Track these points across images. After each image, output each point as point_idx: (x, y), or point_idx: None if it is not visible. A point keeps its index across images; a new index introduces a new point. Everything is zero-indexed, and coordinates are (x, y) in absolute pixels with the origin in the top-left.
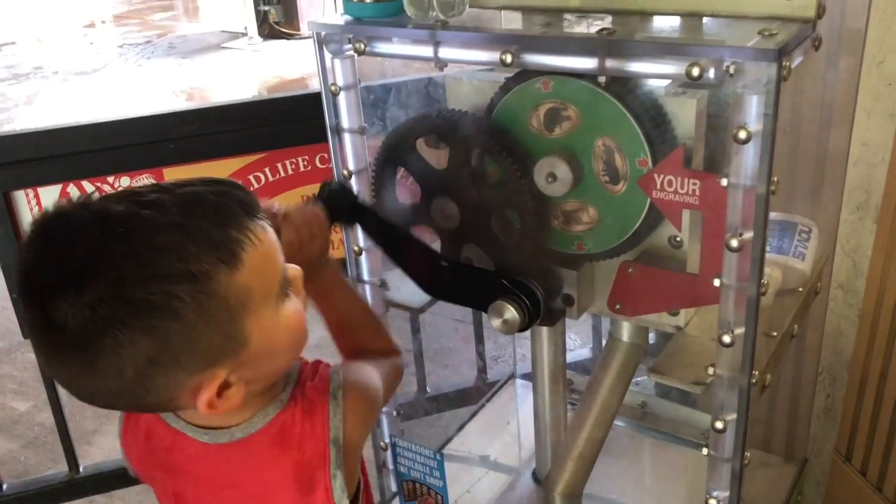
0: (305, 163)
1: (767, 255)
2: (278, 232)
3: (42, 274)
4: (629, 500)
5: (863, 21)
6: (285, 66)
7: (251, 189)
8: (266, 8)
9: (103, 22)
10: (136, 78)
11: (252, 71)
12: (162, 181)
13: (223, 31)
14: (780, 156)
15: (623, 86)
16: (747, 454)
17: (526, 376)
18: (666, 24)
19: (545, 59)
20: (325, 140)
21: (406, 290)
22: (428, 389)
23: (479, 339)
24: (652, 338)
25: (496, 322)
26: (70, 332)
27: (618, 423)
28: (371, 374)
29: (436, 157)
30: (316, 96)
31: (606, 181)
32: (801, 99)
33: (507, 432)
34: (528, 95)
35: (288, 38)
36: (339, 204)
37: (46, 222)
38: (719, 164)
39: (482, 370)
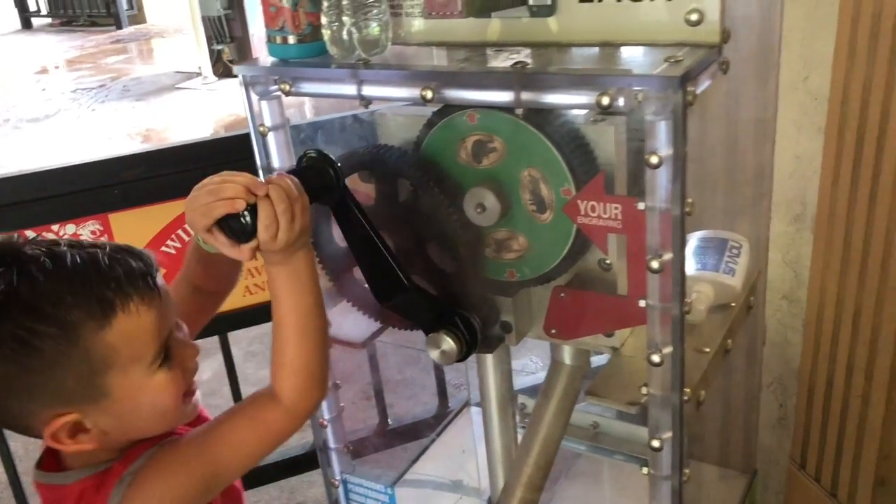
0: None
1: (698, 273)
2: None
3: None
4: None
5: (775, 40)
6: (240, 104)
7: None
8: (219, 47)
9: (56, 67)
10: (89, 123)
11: (207, 110)
12: (78, 238)
13: (177, 72)
14: (708, 174)
15: (544, 117)
16: (686, 471)
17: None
18: (587, 54)
19: (464, 94)
20: None
21: (347, 325)
22: (390, 422)
23: (438, 368)
24: (600, 359)
25: (434, 353)
26: None
27: (570, 444)
28: (199, 450)
29: (368, 192)
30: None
31: (534, 210)
32: (719, 119)
33: (462, 461)
34: (455, 128)
35: None
36: (318, 179)
37: None
38: (640, 188)
39: (443, 399)
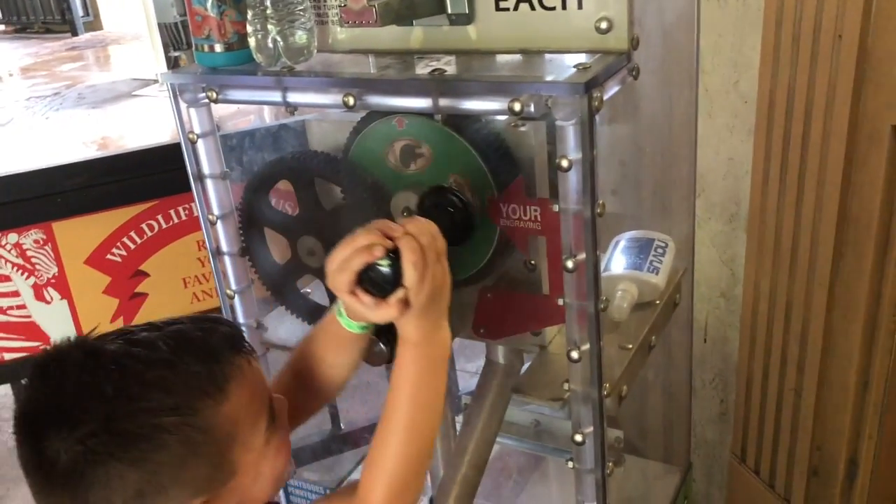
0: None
1: (622, 272)
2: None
3: (35, 411)
4: None
5: (693, 45)
6: None
7: (144, 237)
8: (177, 54)
9: (10, 75)
10: (43, 131)
11: (164, 117)
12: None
13: (134, 79)
14: (630, 176)
15: (469, 124)
16: (609, 464)
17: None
18: (505, 61)
19: (385, 100)
20: None
21: (283, 330)
22: (342, 426)
23: None
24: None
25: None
26: (61, 466)
27: (510, 442)
28: None
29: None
30: None
31: None
32: (642, 122)
33: None
34: (382, 133)
35: None
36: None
37: (42, 361)
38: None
39: None
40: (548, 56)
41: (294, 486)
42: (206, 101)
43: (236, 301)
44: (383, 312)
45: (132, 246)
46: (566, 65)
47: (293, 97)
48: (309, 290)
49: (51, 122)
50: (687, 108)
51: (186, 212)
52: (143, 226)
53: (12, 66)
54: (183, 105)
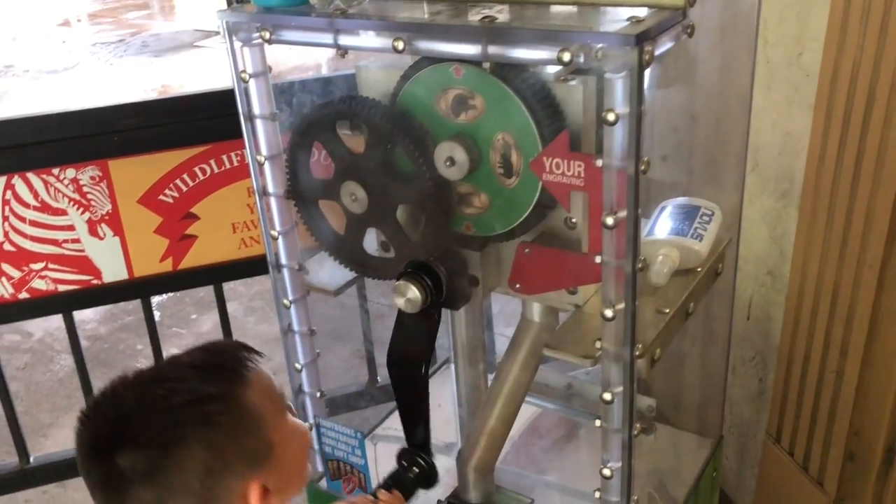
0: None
1: (665, 237)
2: None
3: (102, 434)
4: (555, 477)
5: (753, 13)
6: None
7: (196, 180)
8: (239, 6)
9: (78, 20)
10: (106, 76)
11: (223, 68)
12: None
13: (197, 30)
14: (680, 142)
15: (519, 78)
16: (637, 425)
17: None
18: (559, 12)
19: (434, 46)
20: None
21: (324, 274)
22: (379, 379)
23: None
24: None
25: (400, 301)
26: (139, 468)
27: (544, 403)
28: None
29: (353, 141)
30: None
31: (501, 173)
32: (696, 89)
33: (437, 415)
34: (438, 79)
35: None
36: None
37: (96, 400)
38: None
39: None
40: (602, 9)
41: (326, 427)
42: (260, 41)
43: (280, 242)
44: None
45: (184, 188)
46: (619, 18)
47: (344, 40)
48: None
49: (114, 68)
50: (743, 76)
51: (238, 158)
52: (196, 169)
53: (80, 11)
54: (237, 44)
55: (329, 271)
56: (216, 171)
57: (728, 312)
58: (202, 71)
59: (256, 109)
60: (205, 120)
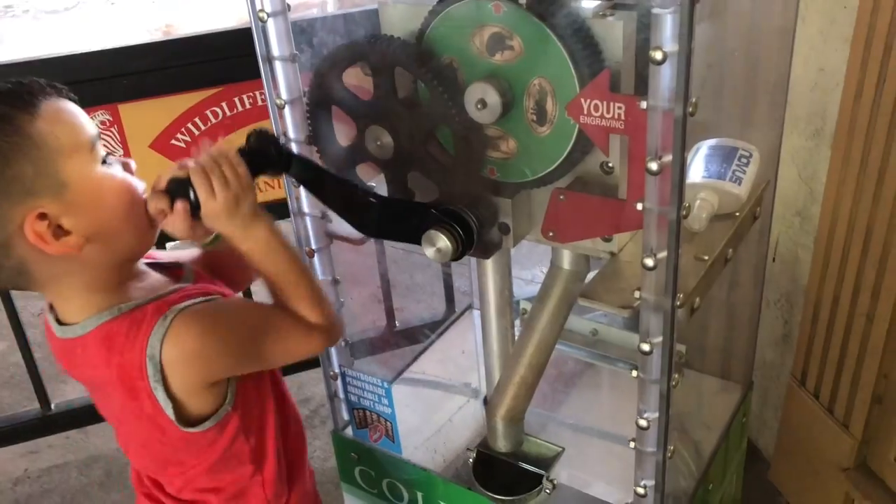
0: (263, 97)
1: (703, 180)
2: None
3: None
4: (579, 420)
5: None
6: None
7: (208, 124)
8: None
9: None
10: (108, 16)
11: (229, 6)
12: None
13: None
14: (724, 80)
15: (557, 14)
16: (676, 375)
17: None
18: None
19: None
20: None
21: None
22: (397, 324)
23: (447, 273)
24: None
25: (430, 251)
26: None
27: (569, 349)
28: (247, 316)
29: (368, 84)
30: None
31: (533, 120)
32: (734, 23)
33: (461, 362)
34: (474, 15)
35: None
36: (265, 152)
37: None
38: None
39: (451, 304)
40: None
41: (351, 376)
42: None
43: (302, 190)
44: (172, 220)
45: (196, 132)
46: None
47: None
48: (374, 185)
49: (116, 7)
50: (785, 11)
51: (251, 100)
52: (208, 112)
53: None
54: None
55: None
56: (228, 113)
57: (762, 257)
58: (207, 10)
59: (275, 51)
60: (216, 61)
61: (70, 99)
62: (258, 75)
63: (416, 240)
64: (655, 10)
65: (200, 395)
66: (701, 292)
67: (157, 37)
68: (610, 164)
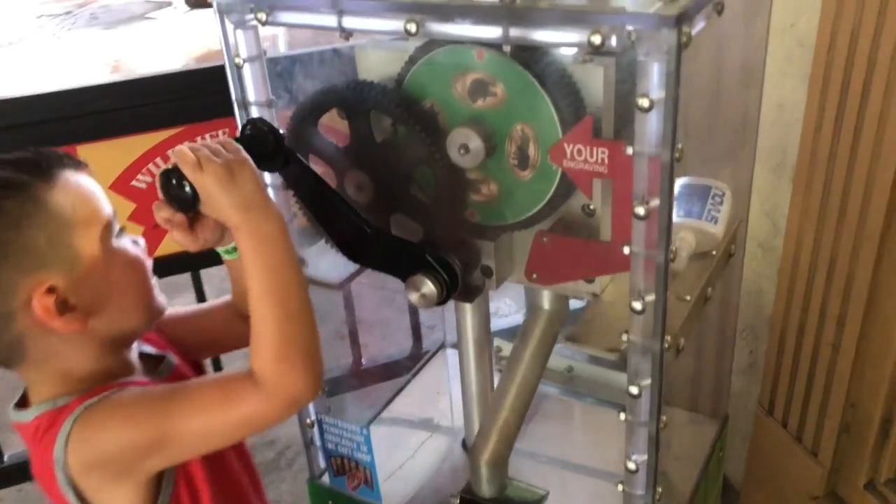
0: (227, 135)
1: (680, 220)
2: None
3: None
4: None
5: None
6: (213, 36)
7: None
8: None
9: None
10: (55, 50)
11: (178, 41)
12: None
13: (147, 1)
14: (692, 120)
15: (538, 61)
16: (664, 417)
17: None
18: None
19: (450, 28)
20: None
21: (325, 266)
22: (363, 362)
23: (413, 309)
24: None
25: (413, 296)
26: None
27: (544, 387)
28: (154, 394)
29: (342, 127)
30: None
31: (515, 164)
32: (709, 63)
33: (437, 402)
34: (456, 61)
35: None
36: (262, 144)
37: None
38: (628, 131)
39: (418, 340)
40: None
41: (329, 423)
42: (255, 23)
43: None
44: (160, 212)
45: (157, 173)
46: None
47: (349, 22)
48: None
49: (63, 42)
50: (756, 50)
51: (213, 138)
52: (169, 152)
53: None
54: (229, 26)
55: (331, 263)
56: None
57: (735, 293)
58: (156, 44)
59: (252, 96)
60: (178, 100)
61: (89, 174)
62: (220, 114)
63: (401, 277)
64: (642, 58)
65: (120, 493)
66: (685, 332)
67: (106, 72)
68: (591, 207)
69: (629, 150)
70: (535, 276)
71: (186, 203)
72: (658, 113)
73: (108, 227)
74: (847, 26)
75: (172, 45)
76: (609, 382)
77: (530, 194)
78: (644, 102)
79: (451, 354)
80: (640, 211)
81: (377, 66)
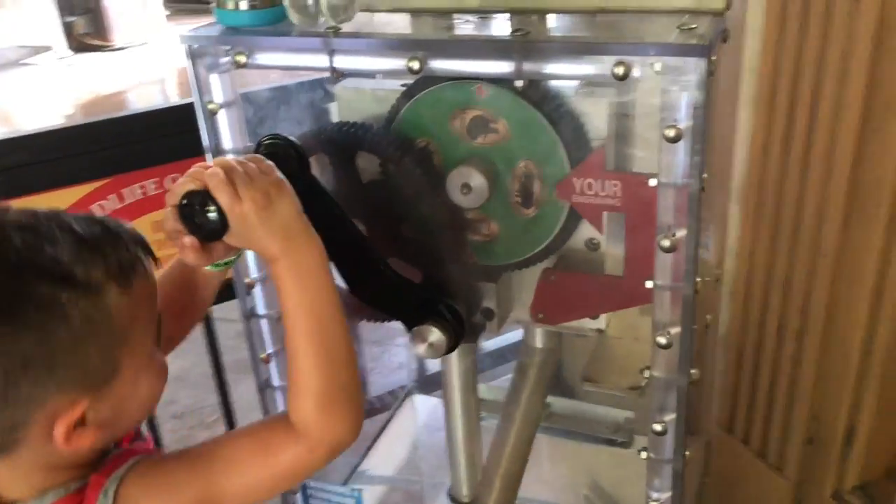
0: (155, 186)
1: None
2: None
3: None
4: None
5: (743, 10)
6: (100, 82)
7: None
8: (72, 19)
9: None
10: None
11: (63, 88)
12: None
13: (22, 47)
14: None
15: (542, 96)
16: (686, 452)
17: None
18: (583, 22)
19: (458, 65)
20: (176, 158)
21: None
22: None
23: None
24: None
25: (420, 348)
26: None
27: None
28: (196, 451)
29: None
30: (159, 113)
31: (518, 202)
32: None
33: (413, 453)
34: (455, 98)
35: (100, 51)
36: (283, 163)
37: None
38: (626, 162)
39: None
40: (633, 16)
41: (315, 487)
42: (231, 66)
43: (257, 290)
44: (185, 253)
45: (177, 193)
46: (654, 26)
47: (342, 62)
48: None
49: None
50: (735, 77)
51: (142, 190)
52: (96, 206)
53: None
54: (202, 70)
55: None
56: (118, 206)
57: (716, 315)
58: (38, 92)
59: (226, 144)
60: (101, 151)
61: (157, 264)
62: (147, 164)
63: (407, 324)
64: (668, 88)
65: None
66: (700, 362)
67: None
68: (595, 241)
69: (652, 182)
70: (541, 315)
71: (213, 233)
72: (686, 143)
73: (156, 335)
74: (790, 51)
75: (57, 92)
76: (584, 415)
77: (535, 232)
78: (671, 133)
79: (421, 401)
80: (666, 243)
81: (360, 105)
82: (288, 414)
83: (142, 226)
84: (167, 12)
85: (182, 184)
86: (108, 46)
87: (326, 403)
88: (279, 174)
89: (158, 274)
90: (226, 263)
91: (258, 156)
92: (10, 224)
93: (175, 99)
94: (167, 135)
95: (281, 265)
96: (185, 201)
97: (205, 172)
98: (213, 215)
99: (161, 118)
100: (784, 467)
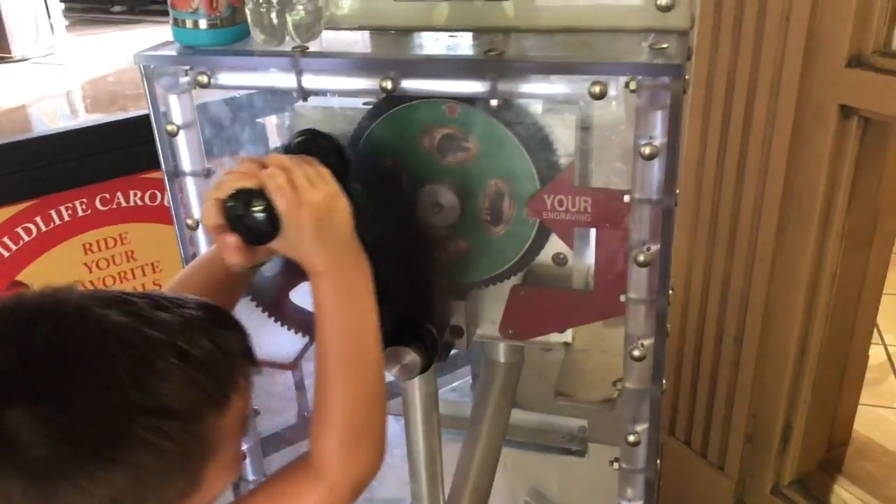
0: (84, 206)
1: None
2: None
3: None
4: None
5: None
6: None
7: (20, 243)
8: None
9: None
10: None
11: None
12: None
13: None
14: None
15: (512, 115)
16: (658, 461)
17: None
18: (552, 41)
19: (431, 84)
20: (105, 178)
21: (270, 342)
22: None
23: None
24: None
25: (394, 369)
26: (34, 452)
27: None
28: None
29: None
30: (88, 131)
31: (488, 220)
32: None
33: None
34: (424, 116)
35: None
36: (324, 153)
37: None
38: (595, 177)
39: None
40: (600, 35)
41: None
42: (190, 86)
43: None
44: (228, 252)
45: (6, 254)
46: (622, 45)
47: (310, 81)
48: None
49: None
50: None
51: (70, 211)
52: (19, 230)
53: None
54: (160, 91)
55: (274, 338)
56: (44, 229)
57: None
58: None
59: (186, 166)
60: (24, 171)
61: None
62: (75, 184)
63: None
64: (644, 106)
65: None
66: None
67: None
68: (563, 256)
69: (626, 198)
70: (511, 331)
71: (262, 236)
72: (661, 159)
73: (239, 448)
74: (723, 66)
75: None
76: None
77: (504, 249)
78: (647, 150)
79: None
80: (641, 258)
81: (321, 125)
82: (311, 456)
83: (71, 249)
84: (66, 22)
85: (234, 179)
86: (7, 58)
87: (351, 439)
88: (335, 183)
89: (186, 270)
90: (254, 267)
91: (312, 158)
92: (113, 339)
93: (83, 115)
94: (96, 153)
95: (326, 282)
96: (233, 200)
97: (264, 172)
98: (263, 216)
99: (90, 136)
100: (725, 466)
